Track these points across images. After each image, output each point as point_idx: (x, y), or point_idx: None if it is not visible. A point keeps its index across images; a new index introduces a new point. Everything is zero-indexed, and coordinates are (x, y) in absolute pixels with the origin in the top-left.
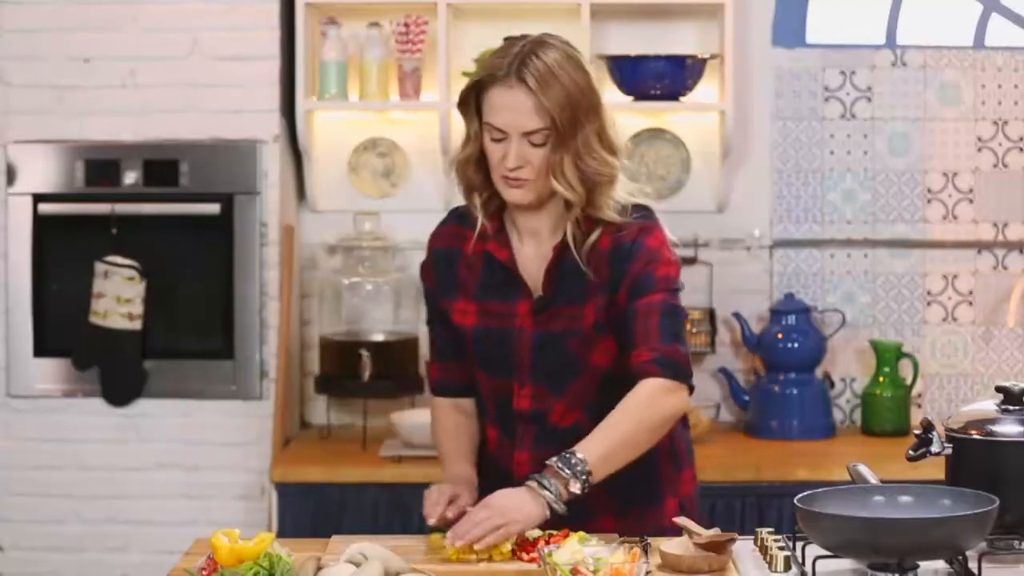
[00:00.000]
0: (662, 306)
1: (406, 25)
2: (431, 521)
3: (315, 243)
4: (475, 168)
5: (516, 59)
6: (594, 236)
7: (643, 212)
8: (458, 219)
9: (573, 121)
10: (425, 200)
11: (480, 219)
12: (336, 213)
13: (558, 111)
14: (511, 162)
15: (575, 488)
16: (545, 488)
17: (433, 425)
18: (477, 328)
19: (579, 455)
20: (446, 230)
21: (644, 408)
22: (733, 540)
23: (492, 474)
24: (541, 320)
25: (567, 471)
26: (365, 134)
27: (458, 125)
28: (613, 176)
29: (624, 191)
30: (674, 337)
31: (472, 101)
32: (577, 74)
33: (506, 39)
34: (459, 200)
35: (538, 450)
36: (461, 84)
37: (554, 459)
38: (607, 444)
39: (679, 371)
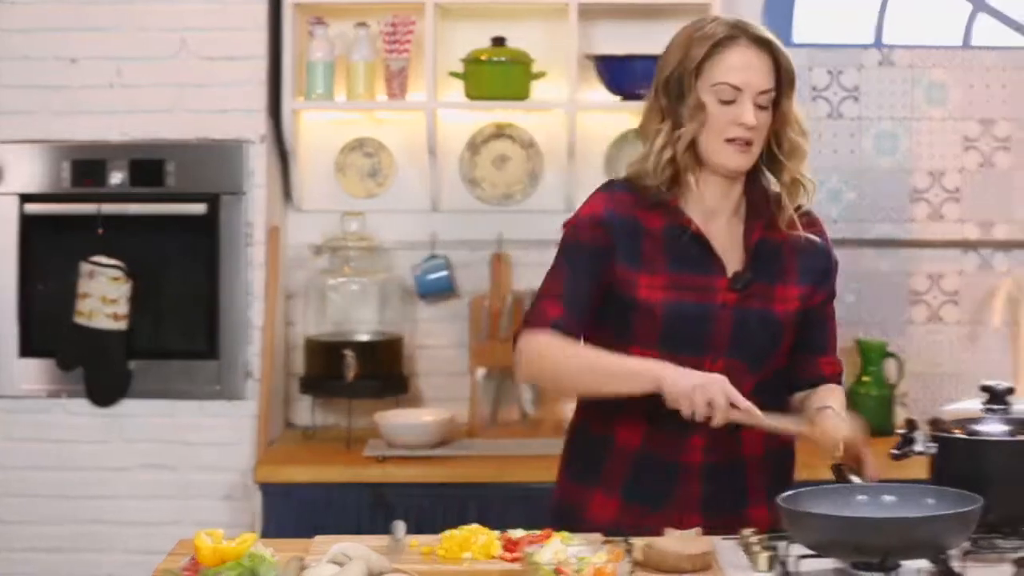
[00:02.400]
0: (835, 316)
1: (393, 25)
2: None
3: (301, 243)
4: (675, 147)
5: (737, 25)
6: (788, 219)
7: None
8: (629, 191)
9: (792, 78)
10: (411, 200)
11: (679, 198)
12: (322, 213)
13: (787, 67)
14: (750, 119)
15: None
16: None
17: (559, 352)
18: (669, 303)
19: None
20: (622, 197)
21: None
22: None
23: (647, 474)
24: (741, 296)
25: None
26: (351, 134)
27: (443, 125)
28: (808, 148)
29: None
30: None
31: (693, 73)
32: None
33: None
34: (445, 198)
35: (713, 433)
36: (448, 84)
37: (833, 412)
38: None
39: None
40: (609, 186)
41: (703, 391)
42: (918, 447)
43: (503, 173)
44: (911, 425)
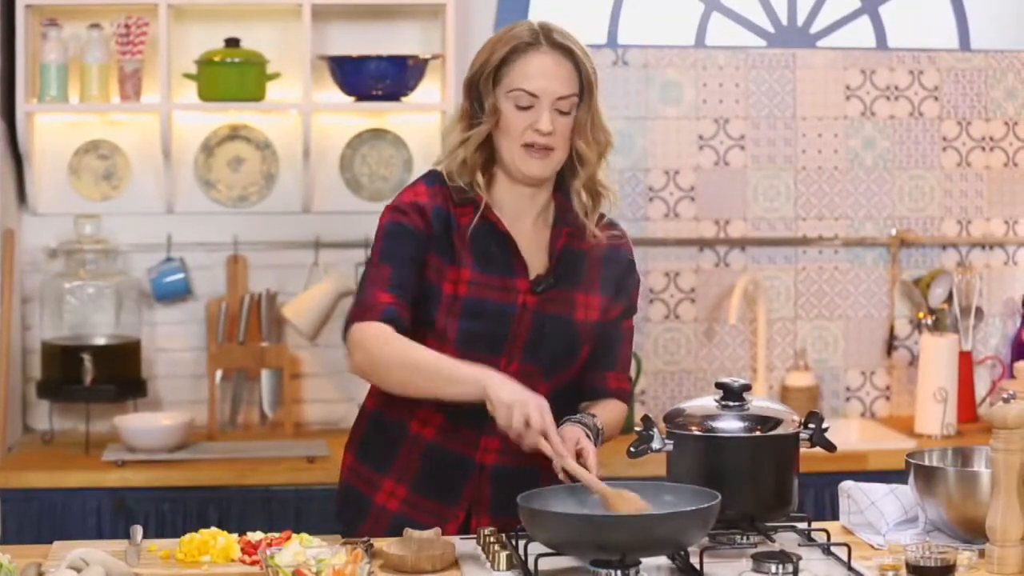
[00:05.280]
0: (633, 331)
1: (127, 27)
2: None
3: (36, 246)
4: (481, 149)
5: (538, 29)
6: (593, 226)
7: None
8: (445, 185)
9: (593, 83)
10: (146, 202)
11: (485, 197)
12: (57, 216)
13: (587, 74)
14: (545, 125)
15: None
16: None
17: (395, 344)
18: (471, 299)
19: (599, 424)
20: (439, 191)
21: (617, 428)
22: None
23: (438, 468)
24: (541, 300)
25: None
26: (86, 136)
27: (178, 127)
28: (611, 142)
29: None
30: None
31: (490, 77)
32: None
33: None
34: (181, 200)
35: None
36: (183, 85)
37: (578, 416)
38: (608, 431)
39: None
40: (431, 177)
41: (523, 408)
42: (655, 444)
43: (238, 175)
44: (648, 423)
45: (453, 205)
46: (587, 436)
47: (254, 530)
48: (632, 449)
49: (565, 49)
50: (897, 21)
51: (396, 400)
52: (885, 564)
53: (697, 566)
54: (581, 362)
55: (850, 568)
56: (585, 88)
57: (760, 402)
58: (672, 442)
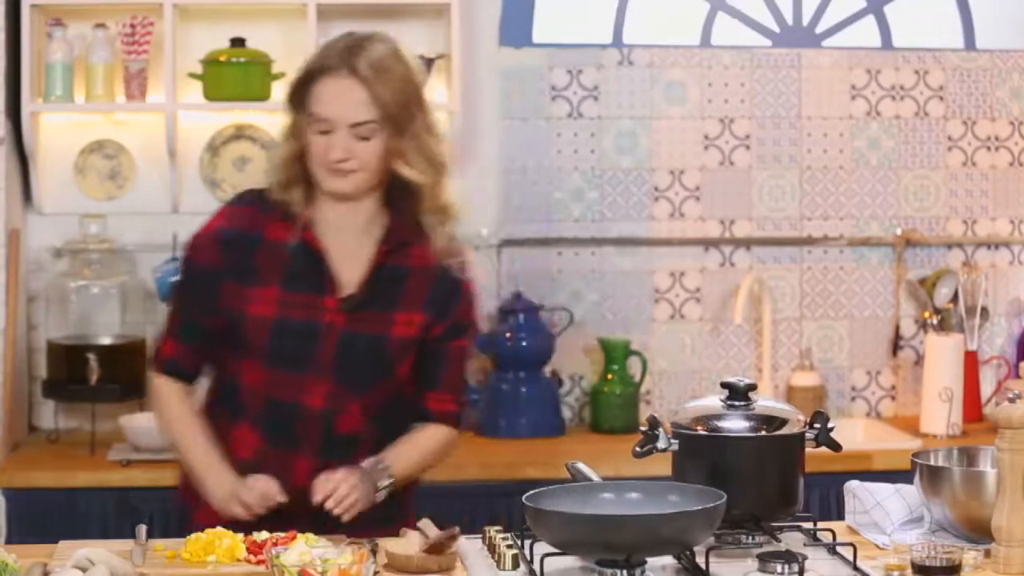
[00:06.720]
0: (466, 352)
1: (132, 26)
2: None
3: (42, 246)
4: (298, 163)
5: (346, 51)
6: (436, 246)
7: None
8: (256, 204)
9: (407, 109)
10: (151, 202)
11: (301, 212)
12: (63, 216)
13: (391, 101)
14: (337, 154)
15: (381, 493)
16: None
17: (166, 411)
18: (279, 319)
19: (389, 467)
20: (243, 211)
21: (437, 454)
22: (454, 536)
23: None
24: (351, 319)
25: (379, 474)
26: (91, 136)
27: (183, 127)
28: (446, 162)
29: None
30: (467, 386)
31: (299, 94)
32: (405, 66)
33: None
34: (186, 200)
35: (324, 458)
36: (188, 85)
37: (370, 460)
38: (408, 466)
39: (465, 424)
40: (239, 198)
41: (233, 503)
42: (661, 444)
43: (244, 174)
44: (653, 422)
45: (270, 220)
46: (355, 479)
47: (259, 530)
48: (638, 449)
49: (360, 75)
50: (902, 21)
51: (219, 421)
52: (891, 564)
53: (703, 566)
54: (401, 379)
55: (855, 568)
56: (396, 114)
57: (765, 402)
58: (677, 442)
